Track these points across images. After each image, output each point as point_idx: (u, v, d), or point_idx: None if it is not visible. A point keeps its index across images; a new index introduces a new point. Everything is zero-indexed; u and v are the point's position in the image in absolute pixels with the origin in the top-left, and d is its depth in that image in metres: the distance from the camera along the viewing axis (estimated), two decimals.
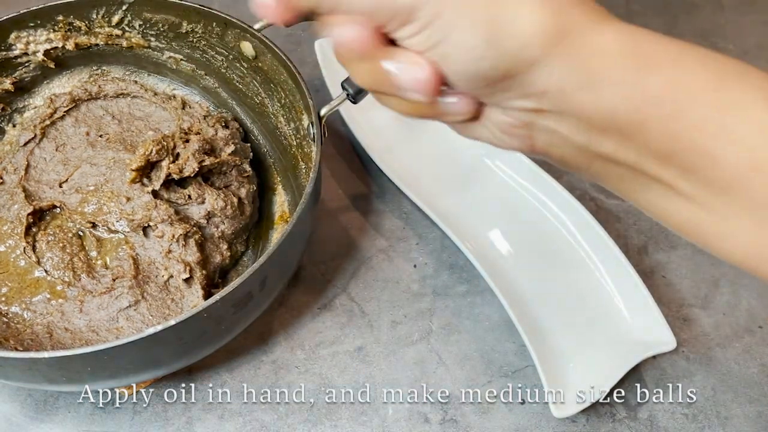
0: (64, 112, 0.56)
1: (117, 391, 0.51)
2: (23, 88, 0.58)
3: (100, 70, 0.59)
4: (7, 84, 0.56)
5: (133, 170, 0.50)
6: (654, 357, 0.53)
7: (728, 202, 0.24)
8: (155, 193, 0.51)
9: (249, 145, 0.58)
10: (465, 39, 0.24)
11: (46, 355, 0.37)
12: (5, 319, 0.48)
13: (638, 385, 0.53)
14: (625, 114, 0.24)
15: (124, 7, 0.54)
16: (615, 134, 0.25)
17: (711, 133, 0.23)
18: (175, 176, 0.51)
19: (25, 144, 0.55)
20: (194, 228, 0.51)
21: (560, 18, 0.23)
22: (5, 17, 0.52)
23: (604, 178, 0.28)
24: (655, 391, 0.52)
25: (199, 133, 0.54)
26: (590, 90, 0.24)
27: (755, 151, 0.23)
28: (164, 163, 0.51)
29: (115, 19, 0.55)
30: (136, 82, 0.59)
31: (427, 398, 0.52)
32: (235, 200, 0.53)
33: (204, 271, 0.50)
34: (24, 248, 0.50)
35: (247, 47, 0.53)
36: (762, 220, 0.24)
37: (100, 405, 0.51)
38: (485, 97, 0.27)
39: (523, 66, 0.24)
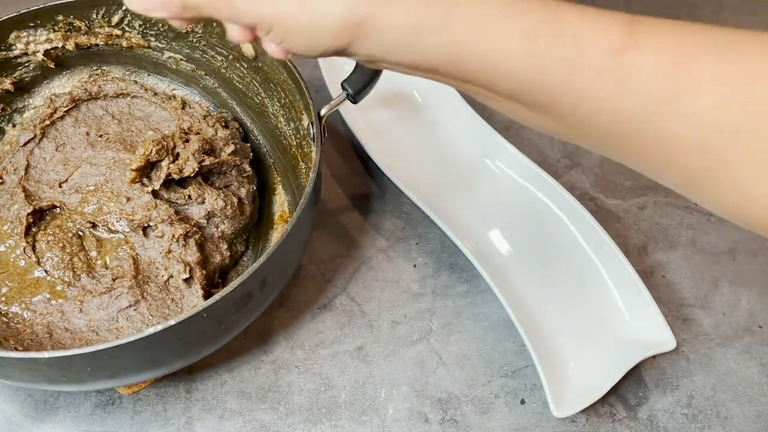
0: (64, 112, 0.56)
1: (117, 391, 0.51)
2: (23, 88, 0.58)
3: (100, 70, 0.59)
4: (7, 84, 0.56)
5: (133, 170, 0.50)
6: (654, 357, 0.54)
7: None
8: (155, 193, 0.51)
9: (249, 145, 0.58)
10: (295, 39, 0.33)
11: (46, 355, 0.37)
12: (5, 319, 0.48)
13: (638, 385, 0.53)
14: (426, 62, 0.32)
15: (124, 7, 0.54)
16: (434, 74, 0.33)
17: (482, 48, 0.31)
18: (175, 176, 0.51)
19: (25, 144, 0.55)
20: (194, 228, 0.51)
21: (354, 10, 0.32)
22: (5, 17, 0.52)
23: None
24: (655, 391, 0.53)
25: (199, 133, 0.54)
26: (400, 54, 0.32)
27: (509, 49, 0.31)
28: (164, 163, 0.51)
29: (115, 19, 0.55)
30: (136, 82, 0.59)
31: (427, 398, 0.52)
32: (235, 200, 0.53)
33: (204, 271, 0.50)
34: (24, 248, 0.50)
35: (247, 47, 0.53)
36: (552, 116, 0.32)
37: (100, 405, 0.51)
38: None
39: (343, 47, 0.33)
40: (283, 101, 0.53)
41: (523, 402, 0.52)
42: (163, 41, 0.57)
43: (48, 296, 0.49)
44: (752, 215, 0.30)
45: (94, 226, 0.51)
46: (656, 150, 0.31)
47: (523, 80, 0.31)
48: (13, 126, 0.58)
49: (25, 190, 0.53)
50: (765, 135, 0.28)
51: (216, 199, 0.52)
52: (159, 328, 0.38)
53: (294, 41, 0.34)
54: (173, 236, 0.49)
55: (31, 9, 0.53)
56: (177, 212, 0.51)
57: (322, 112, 0.48)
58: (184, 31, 0.55)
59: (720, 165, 0.29)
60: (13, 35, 0.54)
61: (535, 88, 0.31)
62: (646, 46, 0.31)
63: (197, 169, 0.52)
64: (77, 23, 0.55)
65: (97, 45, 0.57)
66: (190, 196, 0.52)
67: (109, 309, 0.48)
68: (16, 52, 0.55)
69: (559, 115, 0.32)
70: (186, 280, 0.49)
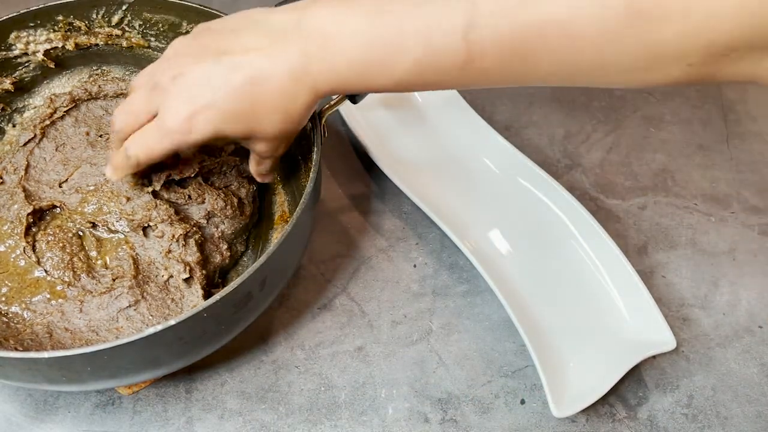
0: (64, 112, 0.56)
1: (117, 391, 0.51)
2: (23, 88, 0.58)
3: (100, 70, 0.59)
4: (7, 84, 0.56)
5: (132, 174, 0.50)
6: (654, 357, 0.54)
7: None
8: (155, 193, 0.51)
9: None
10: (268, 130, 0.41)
11: (46, 355, 0.37)
12: (5, 319, 0.48)
13: (638, 385, 0.53)
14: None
15: (124, 7, 0.54)
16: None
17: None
18: (176, 176, 0.51)
19: (25, 144, 0.55)
20: (194, 228, 0.51)
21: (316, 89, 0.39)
22: (5, 17, 0.52)
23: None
24: (655, 391, 0.53)
25: None
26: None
27: None
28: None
29: (115, 19, 0.55)
30: None
31: (427, 398, 0.52)
32: (235, 200, 0.53)
33: (204, 271, 0.50)
34: (24, 248, 0.50)
35: None
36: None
37: (100, 405, 0.51)
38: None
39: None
40: None
41: (523, 402, 0.52)
42: (163, 41, 0.57)
43: (48, 296, 0.49)
44: None
45: (94, 226, 0.51)
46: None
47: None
48: (13, 126, 0.58)
49: (25, 190, 0.53)
50: None
51: (216, 199, 0.52)
52: (159, 328, 0.38)
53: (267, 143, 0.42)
54: (173, 236, 0.49)
55: (31, 9, 0.53)
56: (177, 212, 0.51)
57: (322, 112, 0.48)
58: (184, 32, 0.55)
59: None
60: (13, 35, 0.54)
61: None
62: None
63: (197, 170, 0.52)
64: (77, 23, 0.55)
65: (97, 45, 0.57)
66: (190, 196, 0.52)
67: (109, 309, 0.48)
68: (16, 52, 0.55)
69: None
70: (186, 280, 0.49)
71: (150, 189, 0.51)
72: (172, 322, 0.38)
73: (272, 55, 0.38)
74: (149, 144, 0.41)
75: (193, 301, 0.49)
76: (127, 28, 0.56)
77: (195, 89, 0.38)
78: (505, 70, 0.35)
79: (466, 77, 0.36)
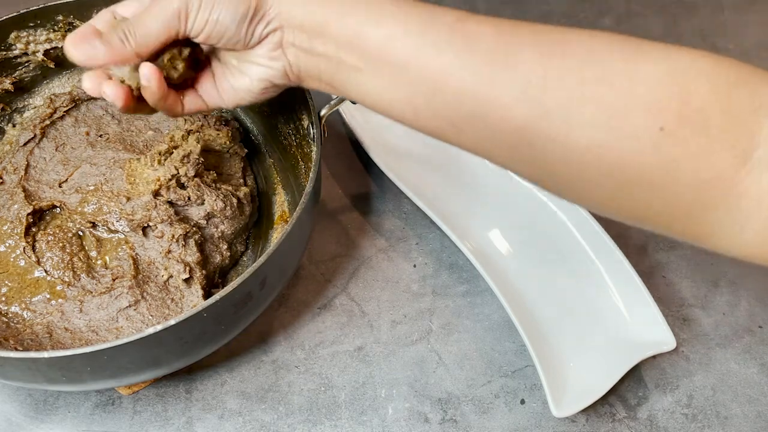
0: (64, 111, 0.56)
1: (117, 391, 0.51)
2: (23, 88, 0.58)
3: None
4: (7, 84, 0.56)
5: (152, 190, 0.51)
6: (654, 357, 0.53)
7: (373, 68, 0.36)
8: (155, 194, 0.51)
9: (243, 146, 0.58)
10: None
11: (45, 355, 0.37)
12: (5, 319, 0.48)
13: (638, 385, 0.53)
14: (315, 20, 0.37)
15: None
16: (319, 36, 0.37)
17: (363, 22, 0.36)
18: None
19: (25, 144, 0.55)
20: (194, 228, 0.51)
21: None
22: (5, 17, 0.52)
23: (331, 77, 0.38)
24: (655, 391, 0.53)
25: (199, 132, 0.54)
26: (293, 10, 0.37)
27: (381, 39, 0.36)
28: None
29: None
30: None
31: (427, 398, 0.52)
32: (235, 201, 0.53)
33: (204, 271, 0.50)
34: (24, 248, 0.50)
35: None
36: (390, 75, 0.36)
37: (100, 405, 0.51)
38: (251, 35, 0.38)
39: (260, 2, 0.37)
40: (283, 101, 0.53)
41: (523, 402, 0.52)
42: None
43: (48, 296, 0.49)
44: None
45: (94, 225, 0.51)
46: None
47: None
48: (13, 126, 0.58)
49: (25, 190, 0.53)
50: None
51: (215, 200, 0.52)
52: (159, 328, 0.38)
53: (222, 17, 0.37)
54: (173, 236, 0.49)
55: (31, 9, 0.53)
56: (177, 212, 0.51)
57: (322, 112, 0.48)
58: None
59: None
60: (13, 35, 0.54)
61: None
62: None
63: (196, 170, 0.52)
64: (77, 23, 0.55)
65: None
66: (189, 197, 0.52)
67: (108, 309, 0.48)
68: (16, 52, 0.55)
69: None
70: (186, 280, 0.49)
71: (151, 189, 0.51)
72: (172, 322, 0.38)
73: None
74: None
75: (193, 301, 0.49)
76: None
77: None
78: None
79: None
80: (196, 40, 0.39)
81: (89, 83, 0.40)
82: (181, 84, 0.42)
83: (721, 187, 0.30)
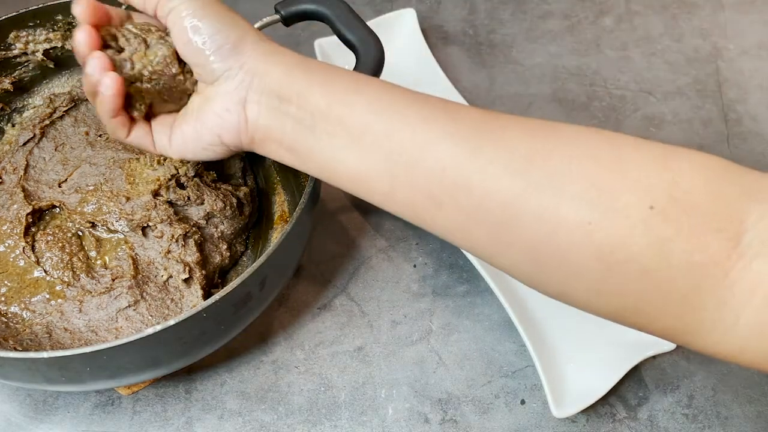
0: (64, 111, 0.56)
1: (116, 391, 0.51)
2: (23, 88, 0.57)
3: None
4: (7, 84, 0.56)
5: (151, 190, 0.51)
6: (654, 357, 0.53)
7: (353, 136, 0.36)
8: (155, 193, 0.51)
9: None
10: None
11: (45, 355, 0.37)
12: (4, 319, 0.48)
13: (638, 385, 0.53)
14: (289, 86, 0.37)
15: (123, 7, 0.54)
16: (294, 101, 0.37)
17: (346, 91, 0.36)
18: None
19: (25, 144, 0.55)
20: (193, 228, 0.51)
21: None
22: (5, 17, 0.52)
23: (295, 141, 0.37)
24: (655, 392, 0.52)
25: None
26: (270, 71, 0.37)
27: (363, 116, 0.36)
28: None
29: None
30: None
31: (427, 398, 0.52)
32: (234, 200, 0.53)
33: (203, 272, 0.50)
34: (23, 248, 0.50)
35: None
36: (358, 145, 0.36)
37: (100, 405, 0.51)
38: (219, 65, 0.38)
39: (244, 41, 0.37)
40: None
41: (523, 402, 0.52)
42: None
43: (47, 296, 0.49)
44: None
45: (93, 225, 0.51)
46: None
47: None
48: (13, 126, 0.58)
49: (24, 189, 0.53)
50: None
51: (215, 199, 0.52)
52: (158, 328, 0.38)
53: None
54: (172, 236, 0.49)
55: (30, 8, 0.53)
56: (176, 212, 0.51)
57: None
58: None
59: None
60: (12, 35, 0.54)
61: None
62: None
63: (196, 170, 0.52)
64: (77, 23, 0.55)
65: None
66: (189, 197, 0.52)
67: (108, 309, 0.48)
68: (16, 52, 0.55)
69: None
70: (185, 281, 0.49)
71: (151, 188, 0.51)
72: (172, 322, 0.38)
73: None
74: None
75: (193, 301, 0.49)
76: None
77: None
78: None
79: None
80: (172, 35, 0.38)
81: (82, 38, 0.39)
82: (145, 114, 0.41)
83: (713, 273, 0.30)
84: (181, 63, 0.40)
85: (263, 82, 0.37)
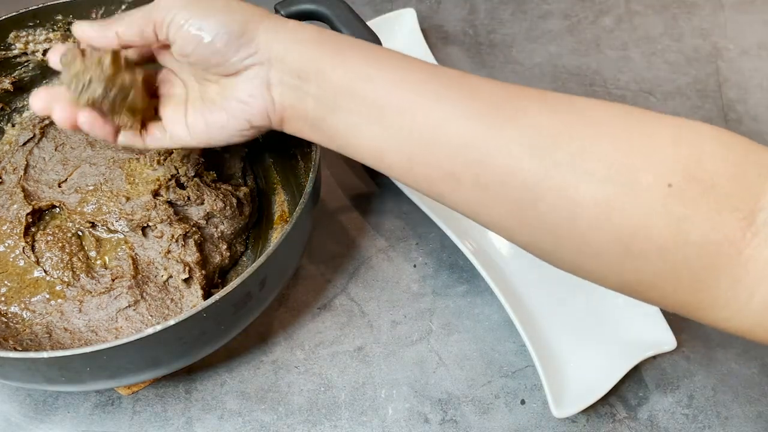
0: None
1: (116, 391, 0.51)
2: (22, 88, 0.57)
3: None
4: (7, 84, 0.56)
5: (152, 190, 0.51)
6: (654, 357, 0.53)
7: (372, 112, 0.36)
8: (155, 193, 0.51)
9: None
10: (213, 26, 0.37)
11: (45, 355, 0.37)
12: (4, 319, 0.48)
13: (638, 385, 0.53)
14: (306, 64, 0.36)
15: (123, 7, 0.54)
16: (313, 79, 0.36)
17: (363, 66, 0.36)
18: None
19: (25, 144, 0.55)
20: (193, 228, 0.51)
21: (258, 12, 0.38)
22: (5, 17, 0.52)
23: (319, 119, 0.37)
24: (655, 392, 0.52)
25: None
26: (286, 50, 0.37)
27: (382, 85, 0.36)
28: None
29: None
30: None
31: (427, 398, 0.52)
32: (234, 200, 0.53)
33: (203, 272, 0.50)
34: (23, 248, 0.50)
35: None
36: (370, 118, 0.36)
37: (100, 405, 0.51)
38: (235, 57, 0.37)
39: (251, 27, 0.37)
40: None
41: (523, 402, 0.52)
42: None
43: (47, 296, 0.49)
44: None
45: (93, 225, 0.51)
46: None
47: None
48: (13, 126, 0.58)
49: (24, 189, 0.53)
50: None
51: (215, 199, 0.52)
52: (158, 328, 0.38)
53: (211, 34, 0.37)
54: (172, 236, 0.49)
55: (30, 8, 0.53)
56: (176, 212, 0.51)
57: None
58: None
59: None
60: (12, 35, 0.54)
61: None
62: None
63: (196, 170, 0.52)
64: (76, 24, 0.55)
65: None
66: (189, 197, 0.52)
67: (108, 309, 0.48)
68: (16, 52, 0.55)
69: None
70: (185, 281, 0.49)
71: (151, 188, 0.51)
72: (172, 322, 0.38)
73: None
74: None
75: (193, 301, 0.49)
76: None
77: None
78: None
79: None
80: (176, 49, 0.38)
81: (38, 103, 0.40)
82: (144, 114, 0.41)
83: (728, 251, 0.30)
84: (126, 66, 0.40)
85: (282, 64, 0.37)
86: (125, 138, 0.41)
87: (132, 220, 0.50)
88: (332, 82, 0.36)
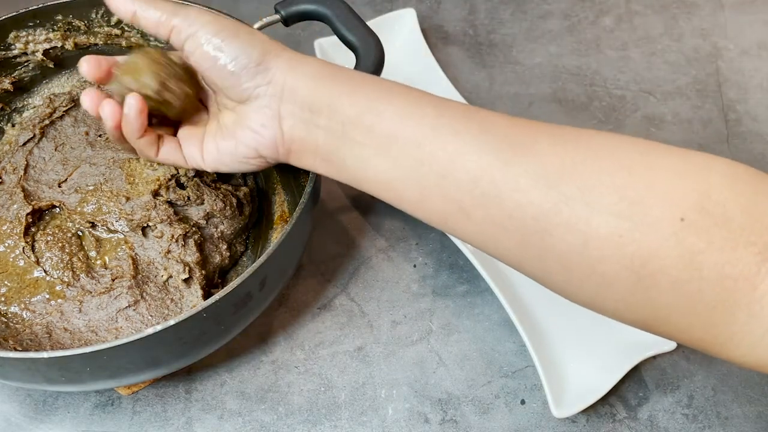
0: (64, 111, 0.56)
1: (116, 391, 0.51)
2: (22, 88, 0.57)
3: None
4: (7, 84, 0.56)
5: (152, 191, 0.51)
6: (654, 357, 0.53)
7: (382, 144, 0.36)
8: (155, 193, 0.51)
9: None
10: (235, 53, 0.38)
11: (45, 355, 0.37)
12: (4, 319, 0.48)
13: (638, 385, 0.53)
14: (318, 98, 0.37)
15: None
16: (324, 112, 0.37)
17: (374, 100, 0.36)
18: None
19: (25, 144, 0.55)
20: (193, 228, 0.51)
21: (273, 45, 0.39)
22: (5, 17, 0.52)
23: (329, 152, 0.38)
24: (655, 392, 0.52)
25: None
26: (299, 84, 0.37)
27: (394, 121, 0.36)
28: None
29: (115, 18, 0.55)
30: None
31: (427, 398, 0.52)
32: (234, 201, 0.53)
33: (203, 272, 0.50)
34: (23, 248, 0.50)
35: None
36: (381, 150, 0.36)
37: (100, 405, 0.51)
38: (249, 83, 0.38)
39: (270, 58, 0.38)
40: None
41: (523, 402, 0.52)
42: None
43: (47, 296, 0.49)
44: None
45: (93, 225, 0.51)
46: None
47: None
48: (13, 126, 0.58)
49: (24, 189, 0.53)
50: None
51: (215, 200, 0.52)
52: (158, 328, 0.38)
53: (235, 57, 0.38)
54: (172, 236, 0.49)
55: (30, 8, 0.53)
56: (176, 212, 0.51)
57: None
58: None
59: None
60: (12, 35, 0.54)
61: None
62: None
63: (196, 170, 0.52)
64: (76, 23, 0.55)
65: (96, 45, 0.57)
66: (189, 197, 0.52)
67: (108, 309, 0.48)
68: (15, 52, 0.55)
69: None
70: (185, 281, 0.49)
71: (151, 189, 0.51)
72: (172, 322, 0.38)
73: None
74: None
75: (193, 301, 0.49)
76: (126, 28, 0.56)
77: None
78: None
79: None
80: (192, 60, 0.39)
81: (88, 101, 0.41)
82: (166, 126, 0.42)
83: (743, 286, 0.29)
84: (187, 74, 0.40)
85: (293, 96, 0.37)
86: (142, 143, 0.41)
87: (132, 220, 0.50)
88: (343, 114, 0.36)
